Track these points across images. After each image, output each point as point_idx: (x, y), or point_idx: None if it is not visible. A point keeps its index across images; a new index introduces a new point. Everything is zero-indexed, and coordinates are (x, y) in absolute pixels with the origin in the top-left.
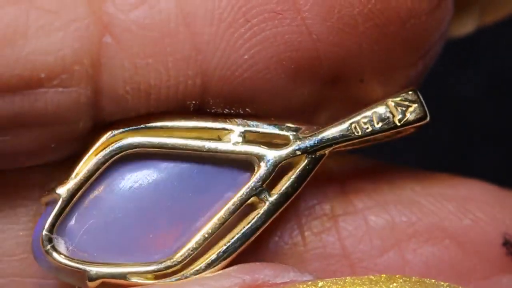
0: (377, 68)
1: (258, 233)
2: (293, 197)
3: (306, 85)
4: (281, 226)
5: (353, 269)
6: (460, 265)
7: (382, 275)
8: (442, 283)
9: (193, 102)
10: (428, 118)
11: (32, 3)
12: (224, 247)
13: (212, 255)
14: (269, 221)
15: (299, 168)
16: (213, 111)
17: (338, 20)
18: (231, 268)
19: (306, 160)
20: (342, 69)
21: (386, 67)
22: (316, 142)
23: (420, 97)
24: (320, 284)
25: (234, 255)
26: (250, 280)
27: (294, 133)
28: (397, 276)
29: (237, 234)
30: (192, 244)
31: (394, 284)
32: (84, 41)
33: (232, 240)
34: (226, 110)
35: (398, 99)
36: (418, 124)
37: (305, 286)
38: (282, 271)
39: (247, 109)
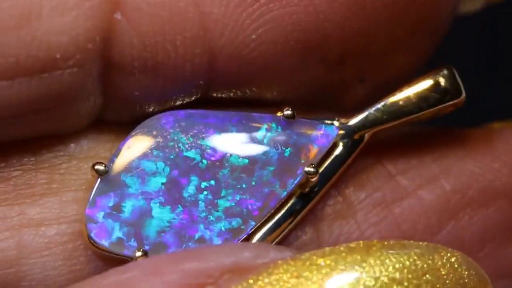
0: (383, 49)
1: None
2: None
3: (313, 66)
4: None
5: None
6: None
7: (360, 242)
8: (421, 243)
9: (200, 82)
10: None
11: None
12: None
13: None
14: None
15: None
16: (219, 94)
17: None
18: (207, 249)
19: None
20: (349, 49)
21: (394, 47)
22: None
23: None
24: (303, 256)
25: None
26: (230, 263)
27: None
28: (374, 241)
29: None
30: None
31: (374, 248)
32: (97, 19)
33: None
34: (232, 92)
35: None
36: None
37: (285, 262)
38: (262, 251)
39: (253, 91)
